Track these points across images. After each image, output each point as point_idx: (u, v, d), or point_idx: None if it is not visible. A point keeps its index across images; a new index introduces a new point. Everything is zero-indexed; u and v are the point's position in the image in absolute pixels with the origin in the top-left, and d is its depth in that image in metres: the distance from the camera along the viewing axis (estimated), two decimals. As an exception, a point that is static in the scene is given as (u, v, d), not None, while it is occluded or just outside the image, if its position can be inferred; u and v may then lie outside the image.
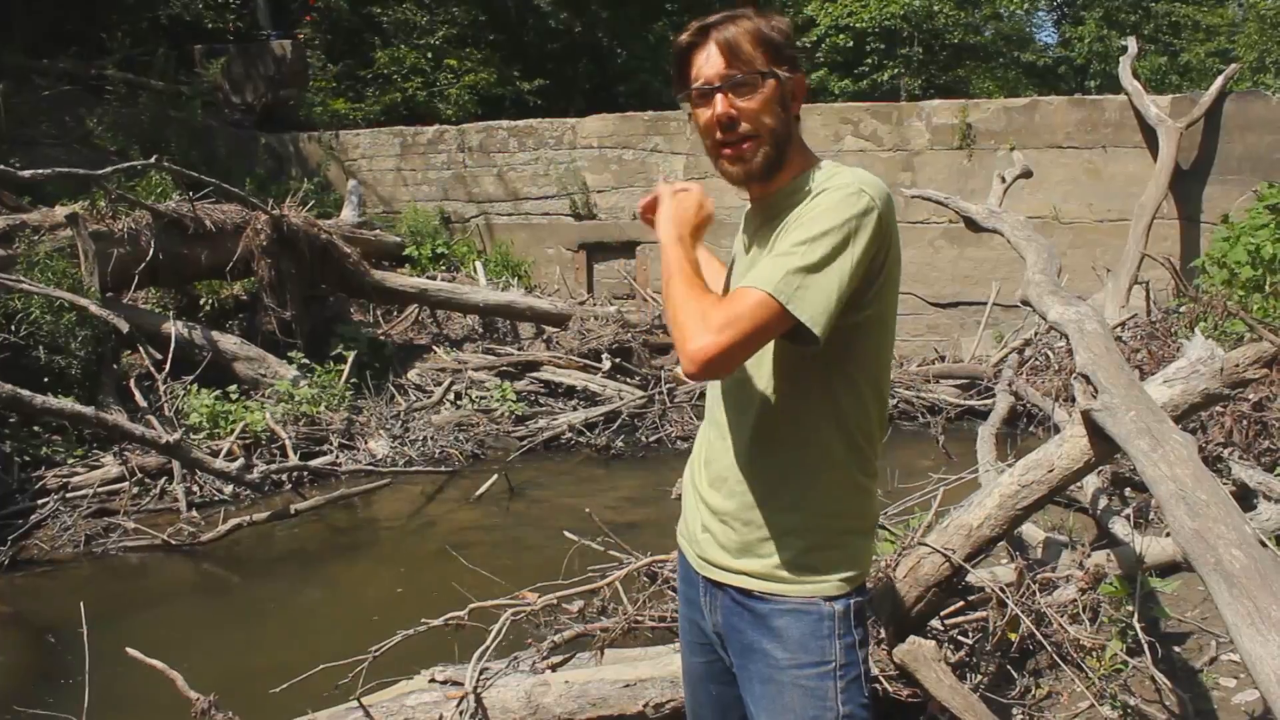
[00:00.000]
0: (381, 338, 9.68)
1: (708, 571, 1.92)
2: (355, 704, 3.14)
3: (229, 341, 8.27)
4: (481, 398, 8.68)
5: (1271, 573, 2.03)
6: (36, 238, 7.43)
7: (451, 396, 8.71)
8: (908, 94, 17.75)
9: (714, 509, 1.90)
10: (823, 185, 1.75)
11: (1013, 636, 3.31)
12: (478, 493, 6.75)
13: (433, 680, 3.22)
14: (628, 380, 9.03)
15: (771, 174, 1.81)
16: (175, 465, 6.64)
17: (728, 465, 1.87)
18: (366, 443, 7.70)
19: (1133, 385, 2.94)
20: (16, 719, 3.83)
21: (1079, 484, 4.55)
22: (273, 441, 7.34)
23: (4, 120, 9.99)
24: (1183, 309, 7.06)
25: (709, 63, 1.76)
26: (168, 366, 7.44)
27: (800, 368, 1.78)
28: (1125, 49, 10.34)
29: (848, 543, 1.83)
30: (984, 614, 3.43)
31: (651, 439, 8.00)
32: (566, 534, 4.48)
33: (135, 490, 6.57)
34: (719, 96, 1.75)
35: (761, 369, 1.82)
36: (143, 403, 7.27)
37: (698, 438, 2.03)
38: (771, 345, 1.78)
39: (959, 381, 8.69)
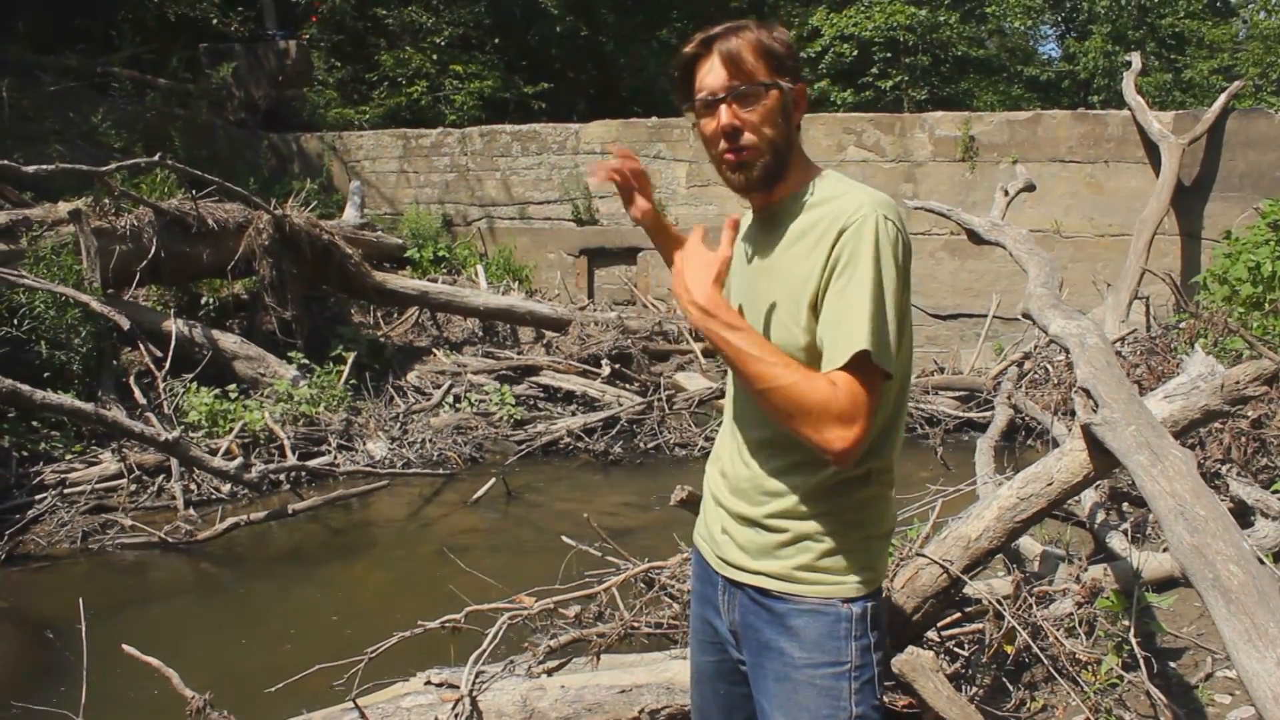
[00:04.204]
0: (381, 339, 9.68)
1: (726, 571, 1.95)
2: (351, 705, 3.14)
3: (229, 340, 8.27)
4: (480, 401, 8.68)
5: (1269, 589, 2.04)
6: (39, 233, 7.44)
7: (450, 399, 8.72)
8: (911, 105, 17.78)
9: (735, 514, 1.92)
10: (845, 214, 1.74)
11: (1009, 649, 3.31)
12: (475, 496, 6.75)
13: (428, 683, 3.22)
14: (627, 386, 9.04)
15: (772, 184, 1.84)
16: (173, 463, 6.64)
17: (750, 474, 1.90)
18: (365, 444, 7.70)
19: (1133, 400, 2.94)
20: (13, 714, 3.82)
21: (1077, 498, 4.56)
22: (271, 441, 7.35)
23: (8, 115, 10.00)
24: (1183, 325, 7.08)
25: (712, 74, 1.79)
26: (167, 364, 7.45)
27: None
28: (1129, 64, 10.37)
29: (867, 547, 1.86)
30: (980, 626, 3.43)
31: (650, 445, 7.99)
32: (564, 539, 4.49)
33: (133, 487, 6.58)
34: (723, 107, 1.78)
35: None
36: (142, 400, 7.27)
37: (718, 441, 2.06)
38: (796, 356, 1.80)
39: (958, 393, 8.70)
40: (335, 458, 7.44)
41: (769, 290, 1.84)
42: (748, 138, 1.78)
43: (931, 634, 3.38)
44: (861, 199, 1.76)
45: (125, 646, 3.50)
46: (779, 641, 1.86)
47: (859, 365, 1.68)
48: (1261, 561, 2.21)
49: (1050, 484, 3.05)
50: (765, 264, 1.86)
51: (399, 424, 8.08)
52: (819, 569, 1.83)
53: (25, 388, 6.01)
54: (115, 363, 7.68)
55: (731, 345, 1.72)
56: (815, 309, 1.76)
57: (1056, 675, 3.24)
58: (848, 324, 1.69)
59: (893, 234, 1.72)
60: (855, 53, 18.67)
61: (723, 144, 1.79)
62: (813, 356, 1.78)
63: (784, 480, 1.85)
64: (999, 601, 3.29)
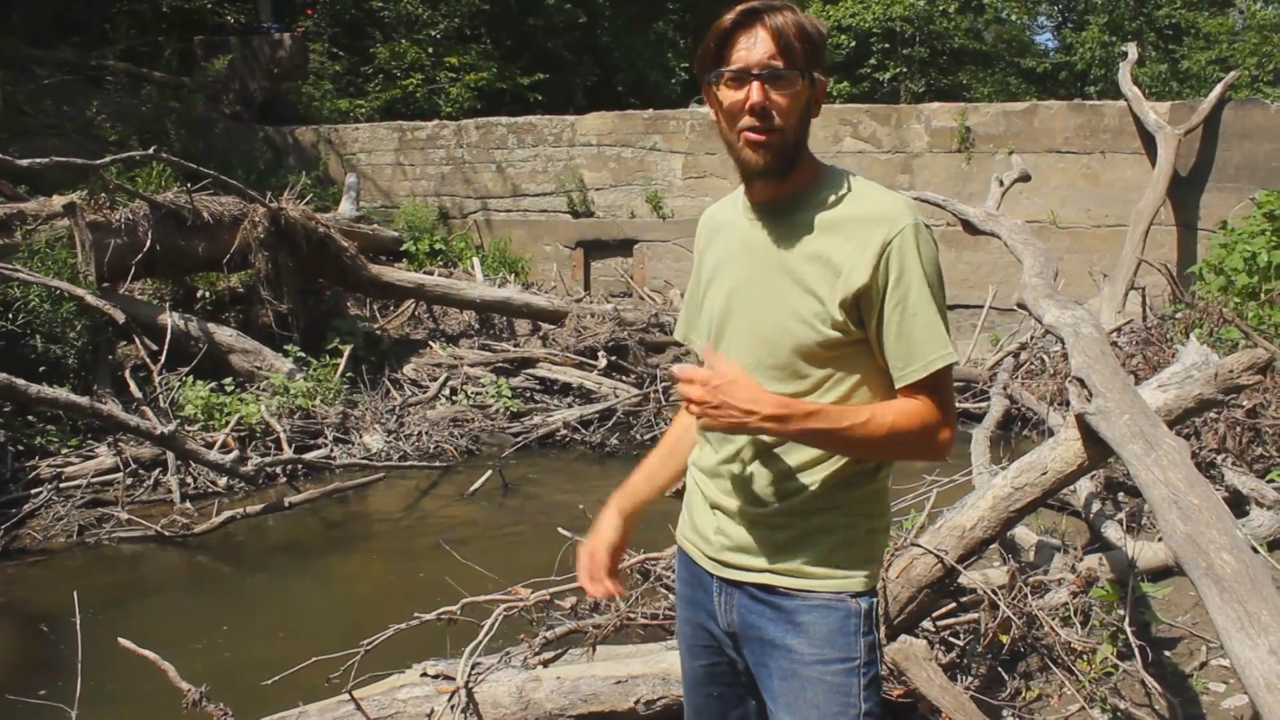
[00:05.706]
0: (378, 332, 9.67)
1: (722, 572, 1.91)
2: (347, 697, 3.14)
3: (225, 334, 8.26)
4: (477, 393, 8.68)
5: (1262, 578, 2.04)
6: (34, 227, 7.42)
7: (447, 392, 8.72)
8: (908, 97, 17.77)
9: (736, 513, 1.88)
10: (886, 220, 1.75)
11: (1004, 639, 3.32)
12: (472, 488, 6.75)
13: (424, 674, 3.22)
14: (623, 378, 9.04)
15: (784, 173, 1.79)
16: (169, 456, 6.64)
17: (754, 473, 1.86)
18: (361, 437, 7.70)
19: (1127, 390, 2.95)
20: (9, 708, 3.82)
21: (1072, 488, 4.56)
22: (267, 434, 7.34)
23: (3, 109, 9.97)
24: (1178, 315, 7.08)
25: (755, 47, 1.72)
26: (163, 358, 7.43)
27: (826, 371, 1.80)
28: (1125, 55, 10.36)
29: (871, 540, 1.86)
30: (975, 616, 3.44)
31: (646, 437, 7.99)
32: (560, 530, 4.48)
33: (129, 481, 6.57)
34: (756, 84, 1.72)
35: (787, 377, 1.81)
36: (138, 393, 7.25)
37: (699, 441, 2.01)
38: (800, 352, 1.79)
39: (954, 384, 8.69)
40: (332, 451, 7.44)
41: (783, 286, 1.80)
42: (775, 120, 1.73)
43: (927, 624, 3.38)
44: (897, 205, 1.77)
45: (121, 640, 3.49)
46: (786, 638, 1.83)
47: (947, 374, 1.79)
48: (1255, 550, 2.21)
49: (1044, 473, 3.05)
50: (776, 257, 1.82)
51: (395, 417, 8.08)
52: (829, 563, 1.82)
53: (20, 382, 6.00)
54: (111, 357, 7.67)
55: (820, 431, 1.74)
56: (845, 306, 1.75)
57: (1051, 664, 3.25)
58: (920, 341, 1.75)
59: (930, 240, 1.77)
60: (853, 44, 18.67)
61: (748, 119, 1.74)
62: (829, 350, 1.78)
63: (794, 478, 1.82)
64: (994, 591, 3.29)
